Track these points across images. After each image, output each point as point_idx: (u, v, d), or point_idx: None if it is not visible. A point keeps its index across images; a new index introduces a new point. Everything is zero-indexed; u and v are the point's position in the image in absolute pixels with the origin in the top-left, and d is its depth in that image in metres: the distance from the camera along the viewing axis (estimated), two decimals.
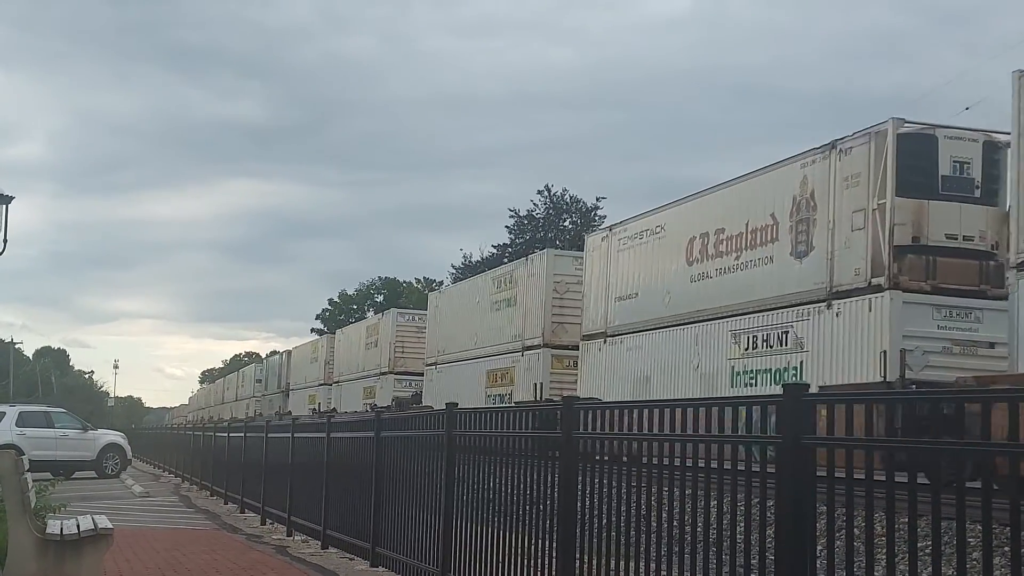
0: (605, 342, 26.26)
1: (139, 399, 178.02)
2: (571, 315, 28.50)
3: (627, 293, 25.31)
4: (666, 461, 6.07)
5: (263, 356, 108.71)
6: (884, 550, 4.42)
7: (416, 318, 43.36)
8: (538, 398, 28.43)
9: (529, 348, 30.14)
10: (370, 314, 73.35)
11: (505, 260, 55.43)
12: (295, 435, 16.04)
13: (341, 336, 53.21)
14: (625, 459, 6.55)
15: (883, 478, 4.49)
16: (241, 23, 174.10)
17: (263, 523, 17.17)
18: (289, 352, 65.62)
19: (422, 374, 39.35)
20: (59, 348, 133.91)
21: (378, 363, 43.80)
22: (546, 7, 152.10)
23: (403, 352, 42.08)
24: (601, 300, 26.56)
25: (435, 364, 37.66)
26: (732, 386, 20.37)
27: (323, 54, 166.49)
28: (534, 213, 66.47)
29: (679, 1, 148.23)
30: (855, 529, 4.63)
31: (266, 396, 67.43)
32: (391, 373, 42.21)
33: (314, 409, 50.69)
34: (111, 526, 9.21)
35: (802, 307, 18.80)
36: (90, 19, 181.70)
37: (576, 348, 27.69)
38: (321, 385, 53.60)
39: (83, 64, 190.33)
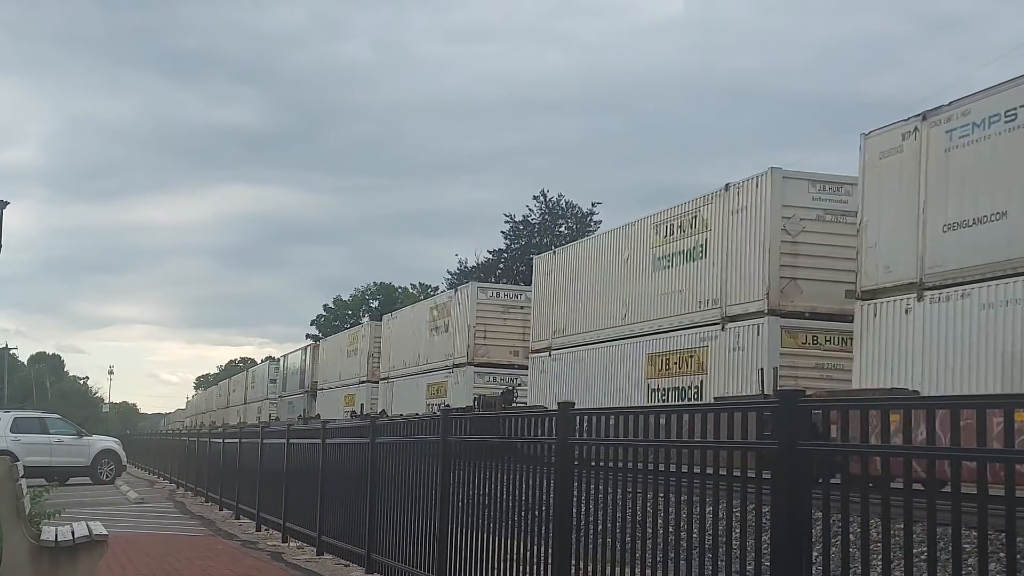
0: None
1: (134, 405, 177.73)
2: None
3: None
4: (661, 467, 6.07)
5: (258, 361, 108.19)
6: (880, 556, 4.42)
7: (502, 295, 35.77)
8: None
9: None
10: (365, 320, 71.80)
11: (501, 266, 55.48)
12: (290, 441, 16.02)
13: (390, 322, 44.32)
14: (620, 464, 6.55)
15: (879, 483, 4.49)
16: (234, 29, 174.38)
17: (258, 529, 17.14)
18: (315, 346, 58.34)
19: (511, 365, 33.53)
20: (54, 354, 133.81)
21: (449, 353, 35.91)
22: (538, 13, 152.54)
23: (485, 338, 34.54)
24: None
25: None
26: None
27: (317, 60, 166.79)
28: (530, 219, 66.53)
29: (671, 6, 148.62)
30: (851, 535, 4.63)
31: (284, 398, 60.31)
32: (470, 365, 34.30)
33: (354, 412, 43.28)
34: (106, 532, 9.19)
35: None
36: (83, 25, 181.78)
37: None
38: (363, 383, 45.41)
39: (76, 69, 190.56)
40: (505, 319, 34.46)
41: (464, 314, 34.93)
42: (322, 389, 52.28)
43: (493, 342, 34.40)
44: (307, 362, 56.36)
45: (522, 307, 33.70)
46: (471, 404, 30.25)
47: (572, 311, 27.77)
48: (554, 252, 31.32)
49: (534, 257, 35.16)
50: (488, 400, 29.90)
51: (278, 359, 67.74)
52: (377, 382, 43.43)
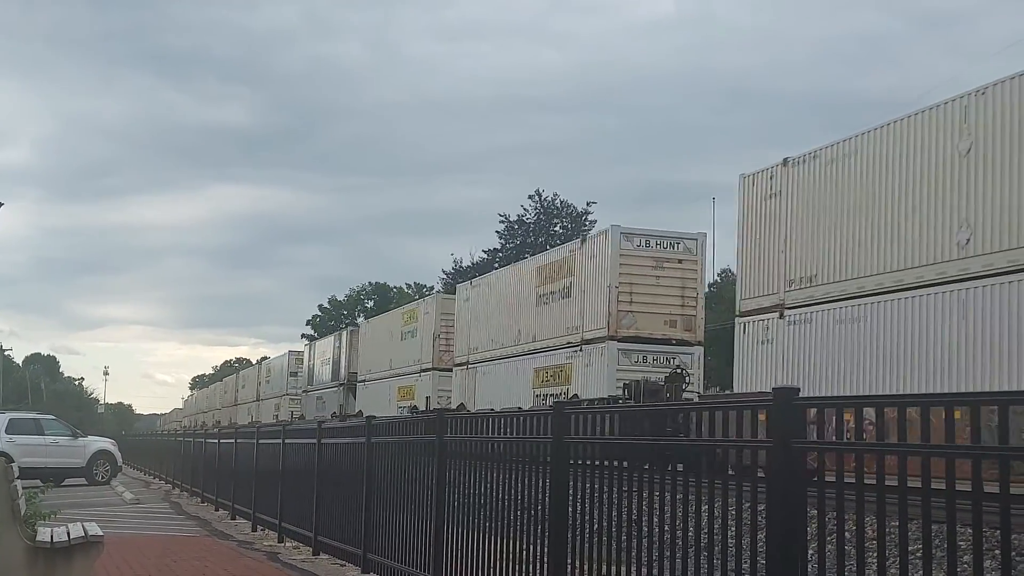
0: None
1: (129, 406, 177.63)
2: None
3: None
4: (657, 465, 6.07)
5: (253, 361, 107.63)
6: (875, 554, 4.43)
7: (654, 243, 26.15)
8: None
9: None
10: (360, 319, 70.14)
11: (496, 265, 55.37)
12: (286, 441, 16.02)
13: (468, 292, 35.08)
14: (616, 463, 6.56)
15: (873, 481, 4.50)
16: (226, 28, 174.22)
17: (254, 529, 17.13)
18: (353, 330, 50.02)
19: (666, 340, 25.63)
20: (49, 355, 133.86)
21: (572, 325, 27.22)
22: (531, 11, 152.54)
23: (631, 303, 25.49)
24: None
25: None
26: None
27: (309, 59, 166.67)
28: (525, 218, 66.60)
29: (665, 4, 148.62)
30: (846, 533, 4.64)
31: (311, 393, 52.61)
32: (611, 340, 25.30)
33: (414, 407, 36.19)
34: (102, 533, 9.18)
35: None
36: (74, 25, 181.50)
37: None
38: (427, 371, 37.12)
39: (68, 69, 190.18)
40: (658, 278, 25.82)
41: (598, 271, 26.32)
42: (364, 381, 44.11)
43: (642, 308, 25.55)
44: (342, 350, 48.07)
45: (681, 260, 25.91)
46: (617, 394, 23.84)
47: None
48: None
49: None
50: (650, 387, 22.73)
51: (302, 348, 60.55)
52: (449, 369, 35.49)
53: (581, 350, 26.51)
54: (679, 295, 25.86)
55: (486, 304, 32.99)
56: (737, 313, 21.60)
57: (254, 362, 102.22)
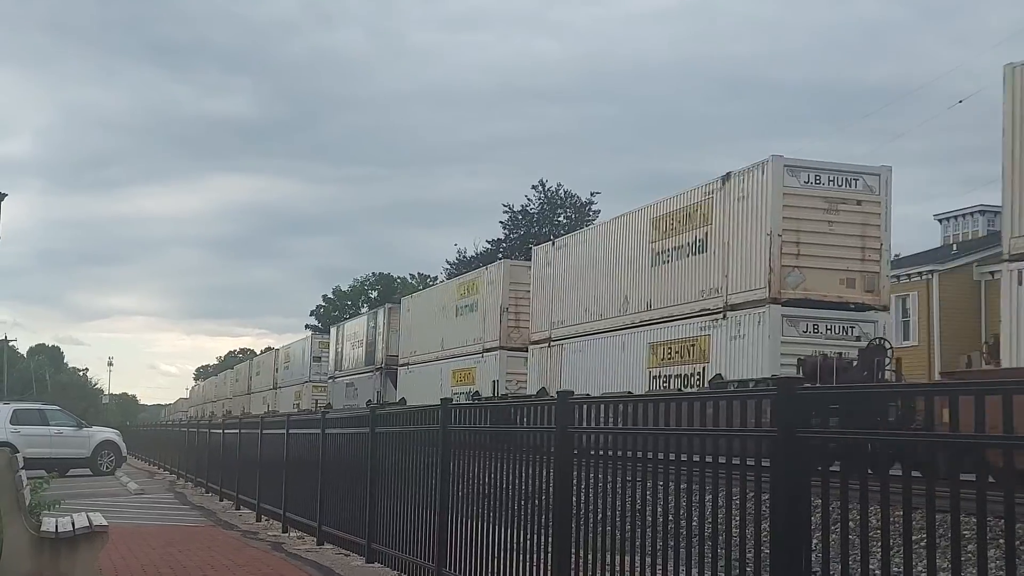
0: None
1: (134, 396, 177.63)
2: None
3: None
4: (661, 455, 6.08)
5: (258, 352, 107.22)
6: (879, 543, 4.43)
7: (826, 179, 20.84)
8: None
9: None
10: (364, 309, 69.64)
11: (500, 255, 55.20)
12: (290, 431, 16.04)
13: (552, 255, 29.00)
14: (620, 453, 6.56)
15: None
16: (226, 17, 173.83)
17: (259, 520, 17.16)
18: (392, 306, 44.00)
19: (842, 304, 20.63)
20: (53, 345, 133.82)
21: (711, 287, 21.64)
22: (532, 0, 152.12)
23: (797, 255, 20.41)
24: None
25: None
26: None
27: (310, 49, 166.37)
28: (528, 208, 66.52)
29: None
30: (850, 522, 4.64)
31: (339, 379, 48.00)
32: (773, 304, 20.23)
33: (476, 393, 31.67)
34: (106, 523, 9.20)
35: None
36: (74, 15, 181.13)
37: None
38: (490, 352, 31.53)
39: (68, 60, 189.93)
40: (831, 224, 20.58)
41: (751, 215, 20.74)
42: (407, 365, 38.91)
43: (812, 262, 20.38)
44: (378, 331, 42.92)
45: (860, 201, 20.75)
46: (784, 372, 18.87)
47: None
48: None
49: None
50: (841, 364, 18.59)
51: (327, 332, 56.33)
52: (521, 348, 30.35)
53: (724, 318, 21.11)
54: (859, 246, 20.76)
55: (576, 268, 27.43)
56: (1006, 255, 16.63)
57: (258, 352, 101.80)
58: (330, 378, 50.28)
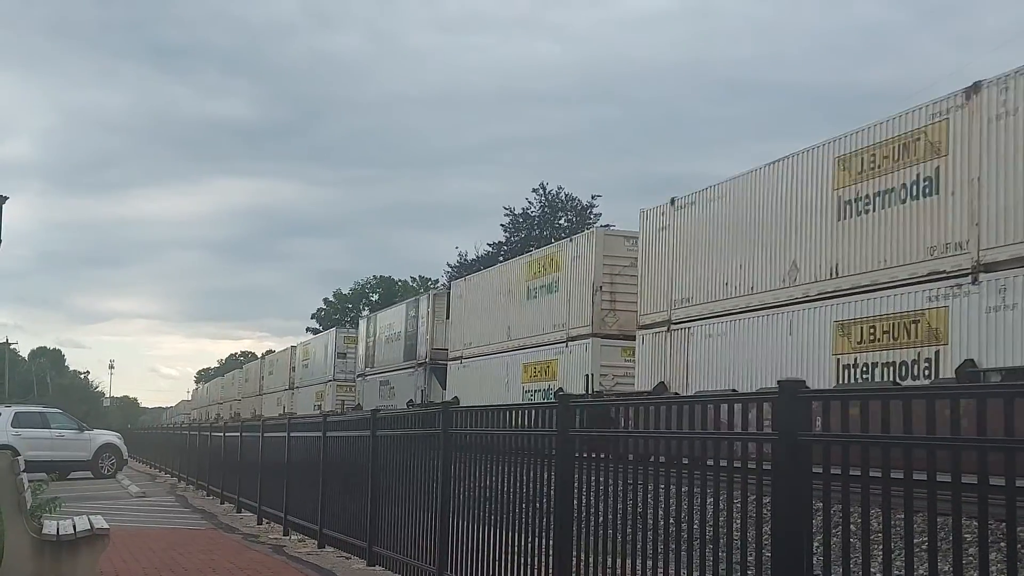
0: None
1: (135, 399, 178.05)
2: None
3: None
4: (662, 459, 6.08)
5: (259, 355, 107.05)
6: (880, 546, 4.43)
7: None
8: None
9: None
10: (366, 312, 67.52)
11: (500, 258, 55.05)
12: (291, 434, 16.04)
13: (671, 218, 22.84)
14: (621, 456, 6.56)
15: (879, 475, 4.49)
16: (225, 20, 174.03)
17: (260, 523, 17.16)
18: (439, 292, 38.52)
19: None
20: (55, 348, 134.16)
21: (954, 241, 15.82)
22: (531, 2, 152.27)
23: None
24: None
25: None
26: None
27: (309, 51, 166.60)
28: (529, 211, 66.53)
29: None
30: (851, 526, 4.64)
31: (370, 377, 41.51)
32: None
33: (559, 392, 23.89)
34: (107, 526, 9.20)
35: None
36: (74, 16, 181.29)
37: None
38: (578, 340, 25.73)
39: (68, 62, 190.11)
40: None
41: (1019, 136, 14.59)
42: (460, 359, 32.86)
43: None
44: (421, 319, 36.50)
45: None
46: None
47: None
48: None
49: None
50: None
51: (357, 324, 51.10)
52: (622, 336, 24.95)
53: (975, 282, 15.48)
54: None
55: (708, 231, 21.53)
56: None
57: (260, 355, 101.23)
58: (359, 376, 43.62)
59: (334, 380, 46.72)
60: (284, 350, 62.25)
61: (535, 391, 27.36)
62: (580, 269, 26.31)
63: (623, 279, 25.35)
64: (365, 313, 62.48)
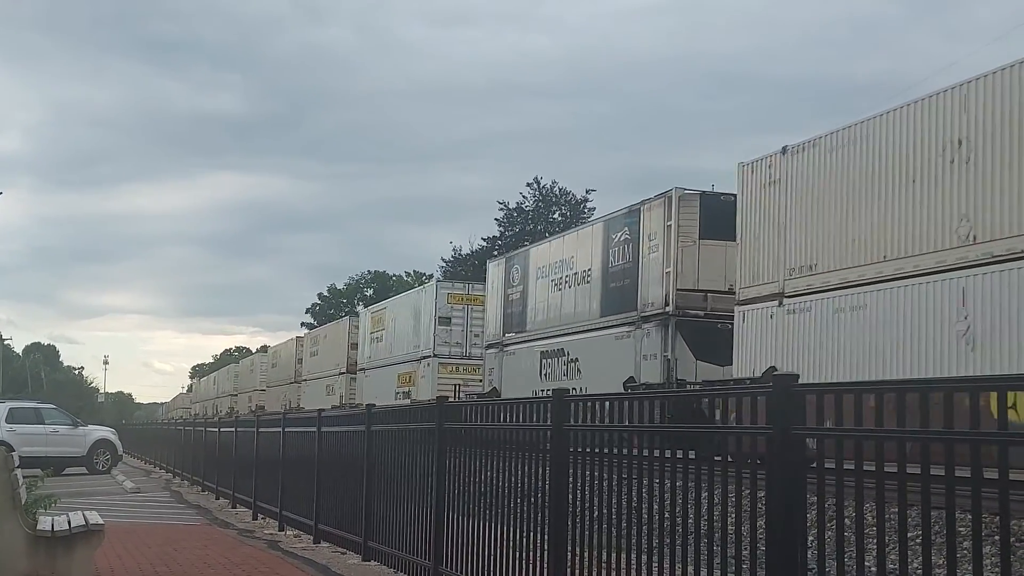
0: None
1: (129, 395, 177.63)
2: None
3: None
4: (656, 453, 6.08)
5: (253, 350, 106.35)
6: (874, 540, 4.44)
7: None
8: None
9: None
10: (360, 308, 64.23)
11: (495, 253, 54.84)
12: (286, 429, 16.04)
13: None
14: (615, 451, 6.57)
15: (873, 468, 4.50)
16: (215, 14, 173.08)
17: (255, 518, 17.16)
18: (689, 193, 21.77)
19: None
20: (49, 344, 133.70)
21: None
22: None
23: None
24: None
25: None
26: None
27: (300, 45, 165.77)
28: (523, 206, 66.53)
29: None
30: (846, 519, 4.65)
31: (517, 348, 27.89)
32: None
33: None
34: (102, 522, 9.20)
35: None
36: (64, 10, 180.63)
37: None
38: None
39: (58, 56, 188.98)
40: None
41: None
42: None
43: None
44: (652, 245, 22.18)
45: None
46: None
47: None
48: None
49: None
50: None
51: (408, 294, 41.37)
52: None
53: None
54: None
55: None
56: None
57: (254, 351, 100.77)
58: (491, 348, 29.66)
59: (434, 356, 33.22)
60: (335, 323, 50.67)
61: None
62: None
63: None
64: (359, 308, 56.22)
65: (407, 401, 31.39)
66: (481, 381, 31.03)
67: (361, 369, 40.69)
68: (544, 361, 26.14)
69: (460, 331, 33.75)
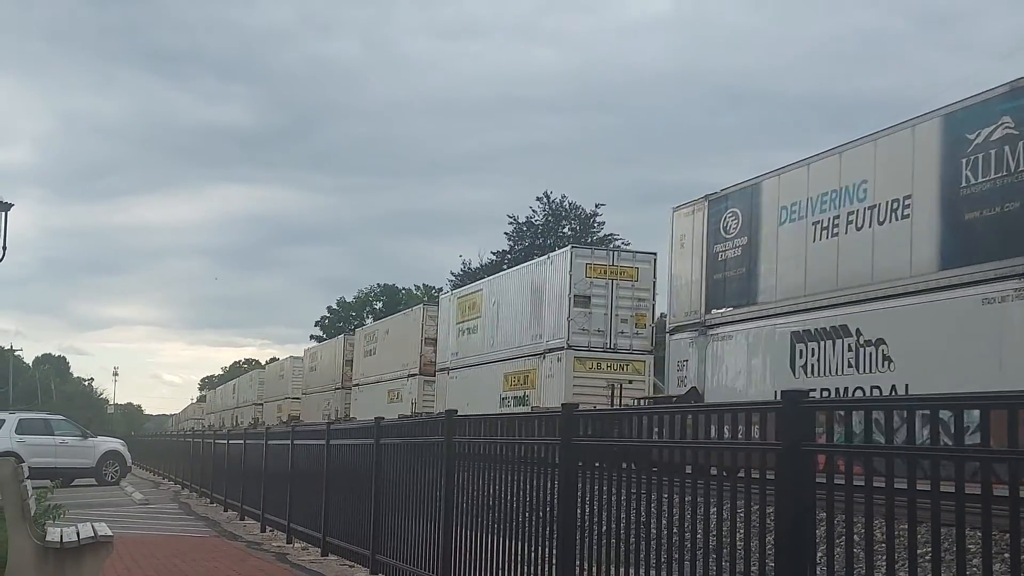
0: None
1: (138, 406, 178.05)
2: None
3: None
4: (665, 468, 6.07)
5: (263, 363, 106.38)
6: (884, 556, 4.42)
7: None
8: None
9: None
10: (369, 321, 62.00)
11: (505, 266, 54.71)
12: (295, 442, 16.04)
13: None
14: (624, 466, 6.56)
15: (883, 484, 4.49)
16: (222, 26, 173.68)
17: (263, 530, 17.16)
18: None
19: None
20: (59, 355, 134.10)
21: None
22: (527, 9, 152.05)
23: None
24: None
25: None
26: None
27: (306, 57, 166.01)
28: (533, 220, 66.57)
29: (661, 3, 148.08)
30: (855, 536, 4.63)
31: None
32: None
33: None
34: (111, 533, 9.20)
35: None
36: (72, 21, 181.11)
37: None
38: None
39: (66, 67, 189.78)
40: None
41: None
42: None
43: None
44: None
45: None
46: None
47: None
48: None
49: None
50: None
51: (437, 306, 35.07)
52: None
53: None
54: None
55: None
56: None
57: (264, 364, 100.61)
58: (675, 332, 20.70)
59: (568, 348, 24.55)
60: (402, 314, 40.27)
61: None
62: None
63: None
64: (368, 321, 55.10)
65: (524, 409, 24.85)
66: (642, 379, 24.74)
67: (443, 370, 32.47)
68: (799, 346, 17.19)
69: (603, 315, 24.95)
